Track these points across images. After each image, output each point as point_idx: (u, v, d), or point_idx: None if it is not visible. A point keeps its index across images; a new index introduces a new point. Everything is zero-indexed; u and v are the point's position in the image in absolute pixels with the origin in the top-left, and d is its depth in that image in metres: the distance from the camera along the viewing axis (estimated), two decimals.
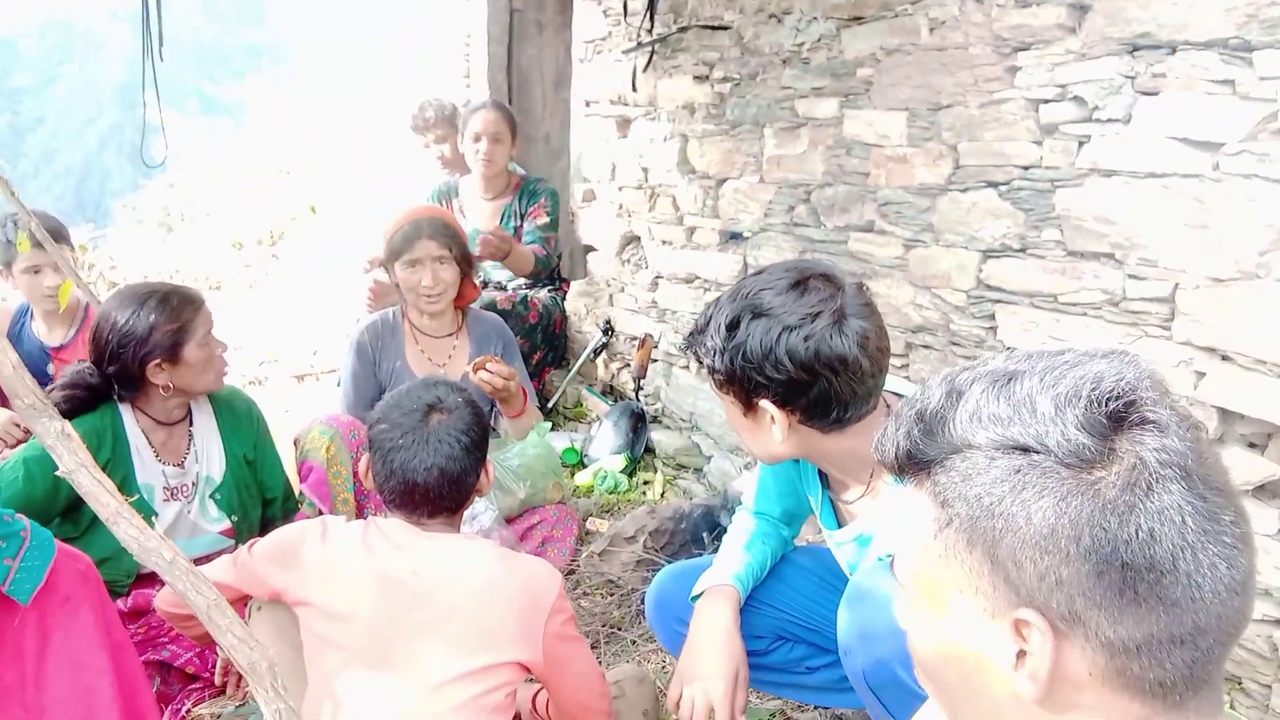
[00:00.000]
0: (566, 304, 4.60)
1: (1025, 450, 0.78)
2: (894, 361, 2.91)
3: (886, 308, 2.92)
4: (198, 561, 2.42)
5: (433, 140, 4.94)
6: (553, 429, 4.11)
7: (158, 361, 2.29)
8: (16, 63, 54.47)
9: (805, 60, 3.16)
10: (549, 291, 4.56)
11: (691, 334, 1.64)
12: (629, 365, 4.22)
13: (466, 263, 3.01)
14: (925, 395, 0.86)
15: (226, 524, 2.47)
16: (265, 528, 2.60)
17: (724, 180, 3.56)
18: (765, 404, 1.54)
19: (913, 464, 0.85)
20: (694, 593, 1.93)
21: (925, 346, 2.84)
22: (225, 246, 8.63)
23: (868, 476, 1.64)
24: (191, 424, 2.50)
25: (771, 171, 3.32)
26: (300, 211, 9.02)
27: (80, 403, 2.32)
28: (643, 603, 2.64)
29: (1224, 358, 2.13)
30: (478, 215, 4.40)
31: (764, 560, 1.99)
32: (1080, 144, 2.38)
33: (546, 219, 4.26)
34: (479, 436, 1.82)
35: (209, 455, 2.50)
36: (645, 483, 3.63)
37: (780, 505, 2.01)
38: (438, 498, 1.76)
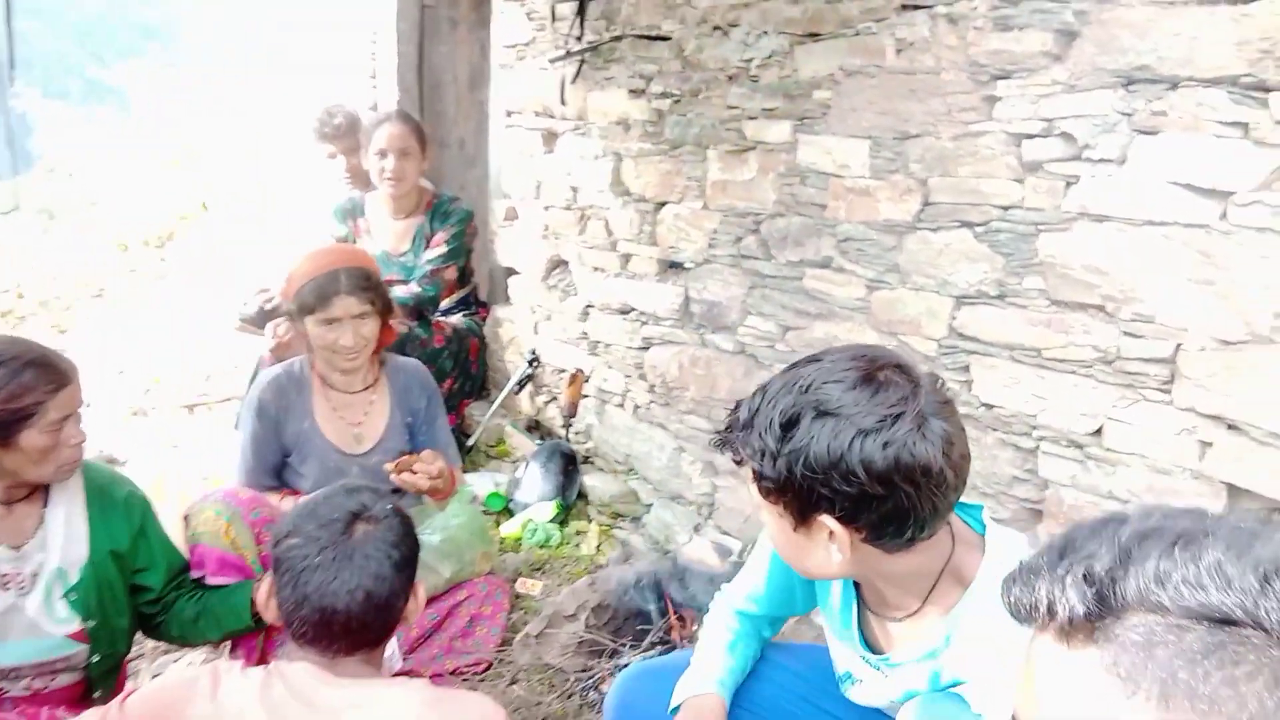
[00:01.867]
0: (486, 330, 4.27)
1: (1229, 623, 0.70)
2: None
3: None
4: (37, 668, 2.09)
5: (340, 151, 4.53)
6: (475, 470, 3.78)
7: None
8: None
9: (754, 78, 2.90)
10: (465, 315, 4.22)
11: (730, 427, 1.35)
12: (556, 399, 3.91)
13: (388, 311, 2.67)
14: (1087, 553, 0.77)
15: (76, 626, 2.08)
16: (144, 624, 2.23)
17: (663, 204, 3.28)
18: (826, 520, 1.27)
19: (1083, 626, 0.76)
20: (672, 704, 1.66)
21: None
22: (109, 247, 7.99)
23: (921, 596, 1.38)
24: (46, 504, 2.10)
25: (716, 198, 3.05)
26: (192, 209, 8.43)
27: None
28: (586, 696, 2.36)
29: (1232, 428, 1.94)
30: (386, 236, 4.02)
31: (746, 664, 1.74)
32: (1068, 184, 2.17)
33: (445, 249, 3.89)
34: (410, 552, 1.51)
35: (68, 545, 2.08)
36: (579, 533, 3.34)
37: (771, 609, 1.74)
38: (360, 628, 1.45)
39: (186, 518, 2.38)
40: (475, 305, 4.37)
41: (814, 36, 2.72)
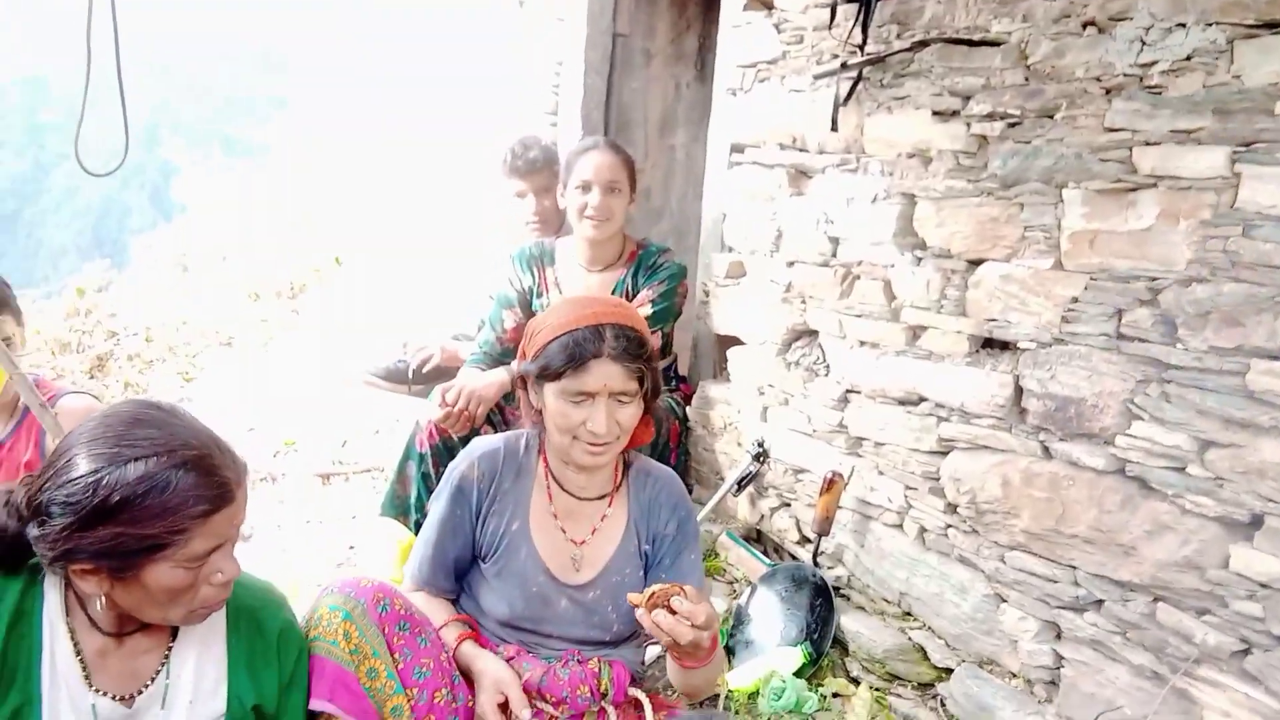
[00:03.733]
0: (692, 413, 3.47)
1: None
2: None
3: None
4: None
5: (531, 190, 3.83)
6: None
7: (86, 567, 1.32)
8: (46, 99, 54.29)
9: (1154, 89, 2.07)
10: (665, 393, 3.43)
11: None
12: (787, 505, 3.06)
13: (654, 396, 1.92)
14: None
15: None
16: None
17: (979, 262, 2.45)
18: None
19: None
20: None
21: None
22: (241, 296, 7.56)
23: None
24: (174, 639, 1.47)
25: (1079, 254, 2.20)
26: (324, 263, 7.99)
27: None
28: None
29: None
30: (579, 291, 3.28)
31: None
32: None
33: (651, 310, 3.14)
34: None
35: (198, 700, 1.46)
36: (837, 697, 2.46)
37: None
38: None
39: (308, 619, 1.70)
40: (675, 381, 3.60)
41: (1271, 27, 1.89)
